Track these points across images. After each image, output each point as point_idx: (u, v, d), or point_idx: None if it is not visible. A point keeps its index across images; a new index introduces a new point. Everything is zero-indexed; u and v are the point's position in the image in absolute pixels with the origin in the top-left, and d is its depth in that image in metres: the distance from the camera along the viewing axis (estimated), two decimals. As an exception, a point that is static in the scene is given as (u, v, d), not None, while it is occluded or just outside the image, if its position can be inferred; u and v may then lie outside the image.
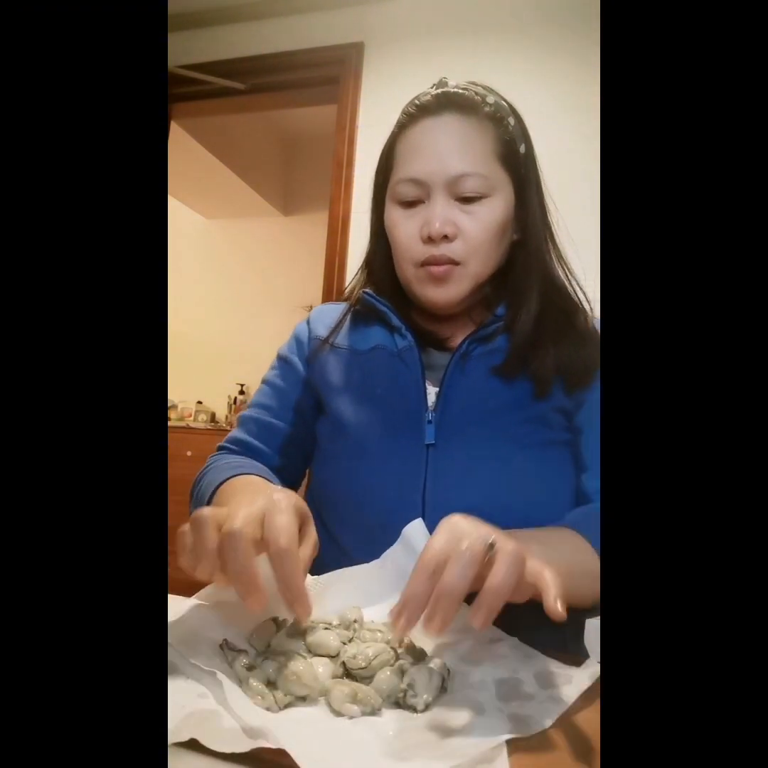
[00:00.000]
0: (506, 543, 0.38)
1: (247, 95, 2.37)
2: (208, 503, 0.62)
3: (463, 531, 0.39)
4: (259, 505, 0.41)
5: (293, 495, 0.45)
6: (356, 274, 0.77)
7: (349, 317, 0.74)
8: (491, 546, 0.38)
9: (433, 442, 0.64)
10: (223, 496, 0.60)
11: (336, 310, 0.77)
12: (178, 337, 3.55)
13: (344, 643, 0.44)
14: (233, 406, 3.41)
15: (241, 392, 3.46)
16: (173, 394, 3.48)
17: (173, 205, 3.64)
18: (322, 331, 0.75)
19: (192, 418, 3.45)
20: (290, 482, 0.75)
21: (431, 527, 0.57)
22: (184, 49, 2.36)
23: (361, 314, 0.73)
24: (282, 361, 0.78)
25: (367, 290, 0.72)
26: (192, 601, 0.48)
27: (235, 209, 3.76)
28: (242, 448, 0.74)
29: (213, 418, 3.49)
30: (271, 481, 0.65)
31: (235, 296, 3.76)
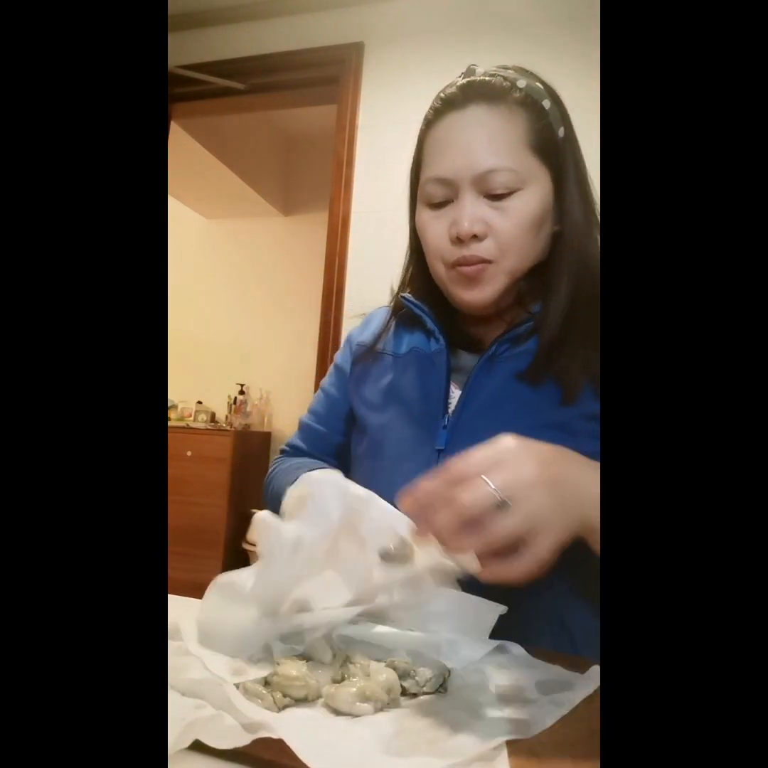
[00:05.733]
0: (515, 514, 0.38)
1: (247, 95, 2.36)
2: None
3: (502, 462, 0.41)
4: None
5: None
6: (403, 273, 0.76)
7: (393, 321, 0.74)
8: (503, 504, 0.38)
9: (444, 447, 0.62)
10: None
11: (385, 314, 0.77)
12: (178, 337, 3.55)
13: (335, 654, 0.44)
14: (233, 406, 3.41)
15: (241, 392, 3.46)
16: (173, 394, 3.48)
17: (173, 205, 3.64)
18: (364, 335, 0.76)
19: (192, 418, 3.45)
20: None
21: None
22: (184, 49, 2.36)
23: (402, 317, 0.73)
24: (335, 368, 0.79)
25: (405, 294, 0.71)
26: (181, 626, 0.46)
27: (235, 209, 3.76)
28: (298, 453, 0.79)
29: (213, 418, 3.49)
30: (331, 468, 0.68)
31: (235, 296, 3.76)
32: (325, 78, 2.23)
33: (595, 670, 0.43)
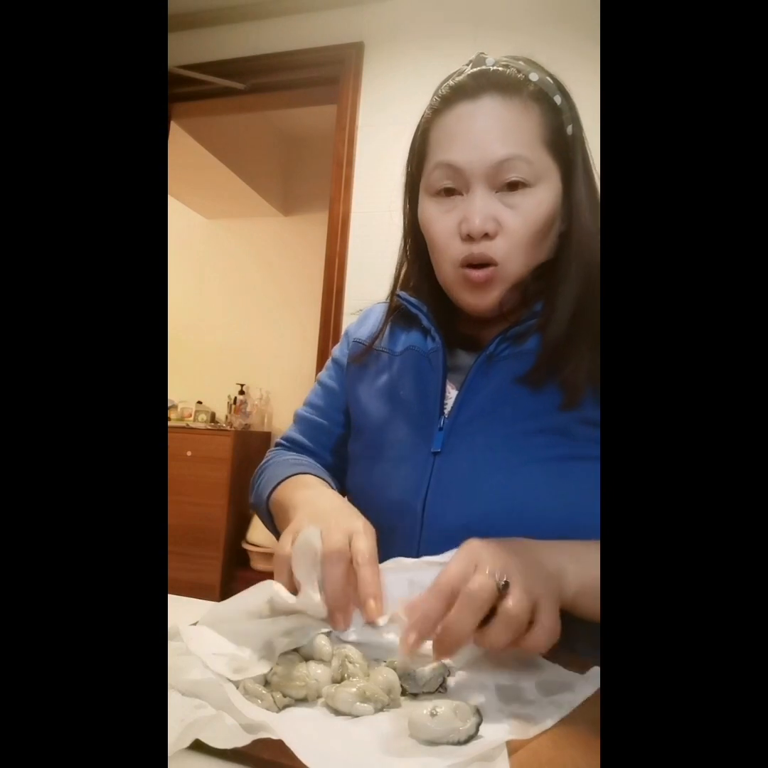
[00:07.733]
0: (517, 592, 0.40)
1: (247, 95, 2.37)
2: (268, 498, 0.68)
3: (481, 561, 0.42)
4: (345, 526, 0.49)
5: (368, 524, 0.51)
6: (396, 270, 0.73)
7: (389, 319, 0.72)
8: (505, 586, 0.40)
9: (439, 449, 0.60)
10: (284, 493, 0.64)
11: (382, 311, 0.75)
12: (179, 337, 3.55)
13: (335, 654, 0.44)
14: (233, 406, 3.40)
15: (241, 392, 3.45)
16: (173, 394, 3.48)
17: (173, 205, 3.64)
18: (360, 332, 0.75)
19: (192, 418, 3.45)
20: (343, 480, 0.76)
21: (428, 538, 0.58)
22: (184, 49, 2.36)
23: (399, 316, 0.71)
24: (333, 361, 0.79)
25: (400, 292, 0.69)
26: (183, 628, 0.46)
27: (235, 209, 3.75)
28: (296, 447, 0.77)
29: (213, 418, 3.49)
30: (324, 478, 0.68)
31: (235, 296, 3.76)
32: (325, 78, 2.23)
33: (596, 671, 0.43)
